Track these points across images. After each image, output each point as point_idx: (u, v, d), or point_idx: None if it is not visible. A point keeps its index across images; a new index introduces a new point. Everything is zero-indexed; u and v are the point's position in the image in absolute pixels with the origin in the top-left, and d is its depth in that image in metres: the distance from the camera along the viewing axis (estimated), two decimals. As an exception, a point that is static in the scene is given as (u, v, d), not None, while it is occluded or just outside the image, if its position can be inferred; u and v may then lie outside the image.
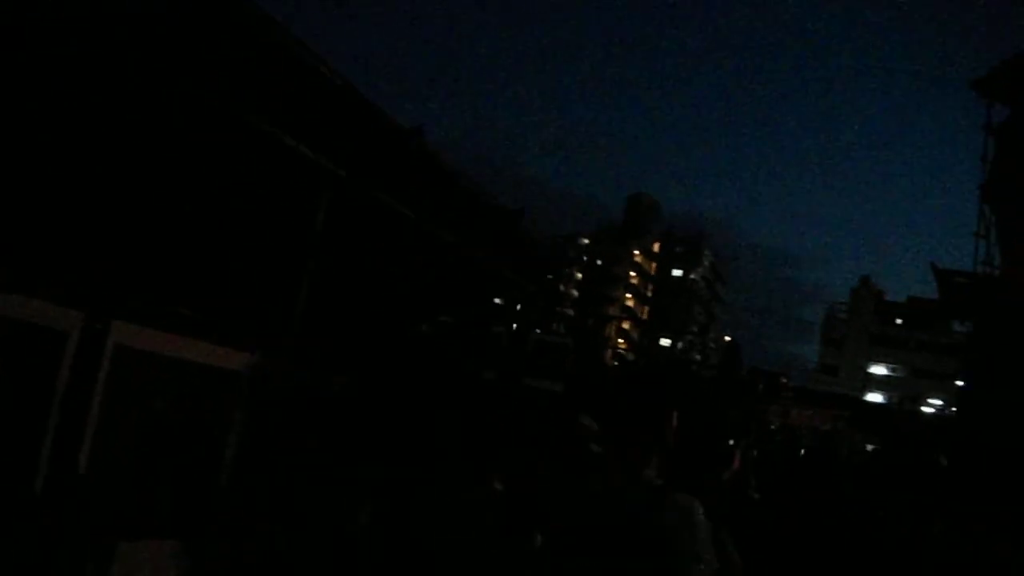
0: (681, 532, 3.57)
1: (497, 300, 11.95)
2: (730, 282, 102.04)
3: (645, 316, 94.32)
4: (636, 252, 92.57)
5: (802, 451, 14.38)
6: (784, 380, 37.93)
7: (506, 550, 4.16)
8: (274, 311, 6.31)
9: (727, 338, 69.10)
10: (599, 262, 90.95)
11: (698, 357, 69.67)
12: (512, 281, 11.06)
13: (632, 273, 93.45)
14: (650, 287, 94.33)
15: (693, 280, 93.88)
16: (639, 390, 5.79)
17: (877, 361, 79.00)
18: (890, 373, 79.05)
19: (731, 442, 8.24)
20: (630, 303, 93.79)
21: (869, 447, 22.18)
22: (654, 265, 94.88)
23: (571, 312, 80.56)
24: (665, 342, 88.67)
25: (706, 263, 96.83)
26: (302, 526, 5.23)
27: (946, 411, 71.72)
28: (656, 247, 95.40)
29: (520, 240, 10.66)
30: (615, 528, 3.60)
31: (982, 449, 16.43)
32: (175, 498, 5.40)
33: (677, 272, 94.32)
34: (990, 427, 18.26)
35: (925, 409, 70.55)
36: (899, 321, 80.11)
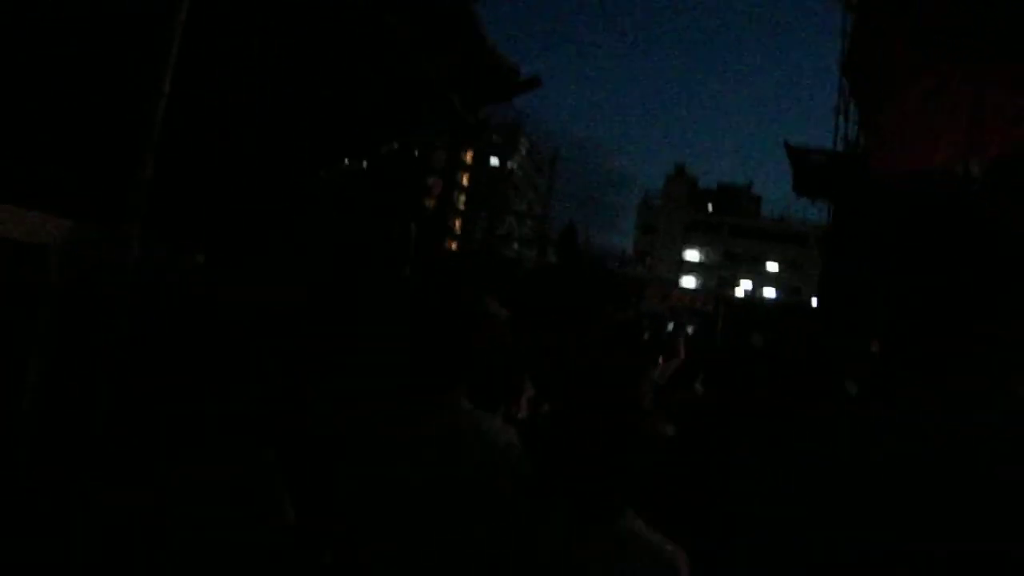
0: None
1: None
2: (546, 171, 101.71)
3: (462, 206, 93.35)
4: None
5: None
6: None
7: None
8: (108, 156, 4.21)
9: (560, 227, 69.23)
10: (416, 152, 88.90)
11: (516, 246, 69.05)
12: (452, 109, 8.25)
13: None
14: (465, 176, 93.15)
15: (511, 170, 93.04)
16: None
17: (691, 247, 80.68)
18: (704, 259, 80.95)
19: (669, 328, 7.11)
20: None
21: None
22: (470, 154, 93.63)
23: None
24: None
25: (523, 151, 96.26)
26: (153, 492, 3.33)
27: (755, 296, 74.32)
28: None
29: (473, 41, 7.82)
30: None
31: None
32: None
33: (494, 161, 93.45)
34: (847, 306, 17.99)
35: (737, 292, 72.76)
36: (711, 208, 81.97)
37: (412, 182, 9.45)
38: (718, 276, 77.29)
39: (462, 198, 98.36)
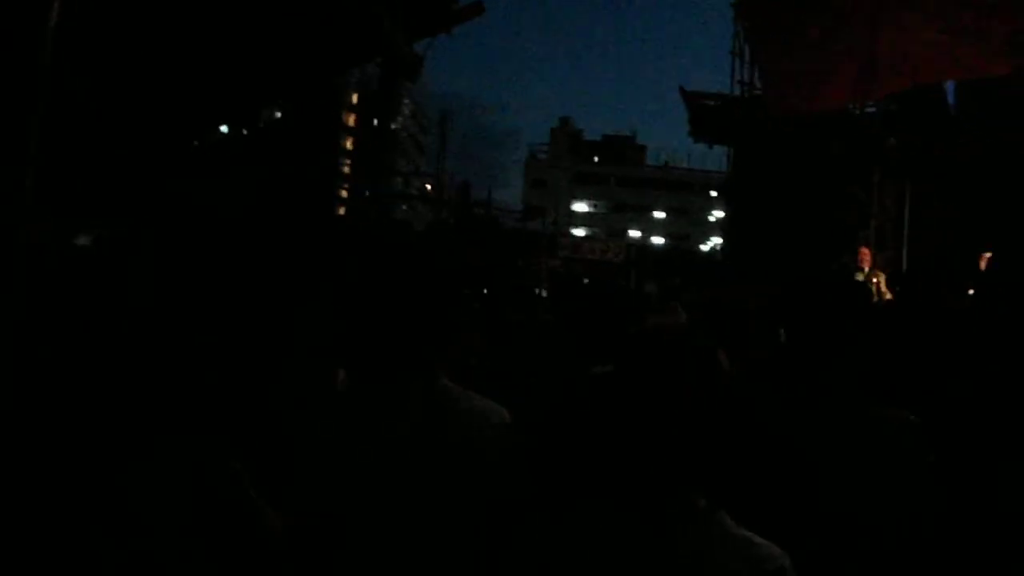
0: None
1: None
2: (431, 131, 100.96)
3: (347, 169, 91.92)
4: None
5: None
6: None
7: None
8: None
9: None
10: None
11: (404, 207, 68.27)
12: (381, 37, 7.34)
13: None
14: (350, 140, 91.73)
15: (395, 130, 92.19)
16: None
17: (580, 199, 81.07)
18: (592, 210, 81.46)
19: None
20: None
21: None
22: (353, 117, 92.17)
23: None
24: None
25: (406, 112, 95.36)
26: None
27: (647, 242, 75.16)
28: (355, 98, 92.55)
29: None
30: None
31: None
32: None
33: (376, 123, 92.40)
34: (748, 248, 18.25)
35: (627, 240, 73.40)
36: (597, 159, 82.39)
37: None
38: (607, 227, 77.87)
39: (347, 162, 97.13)
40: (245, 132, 8.71)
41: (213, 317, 3.19)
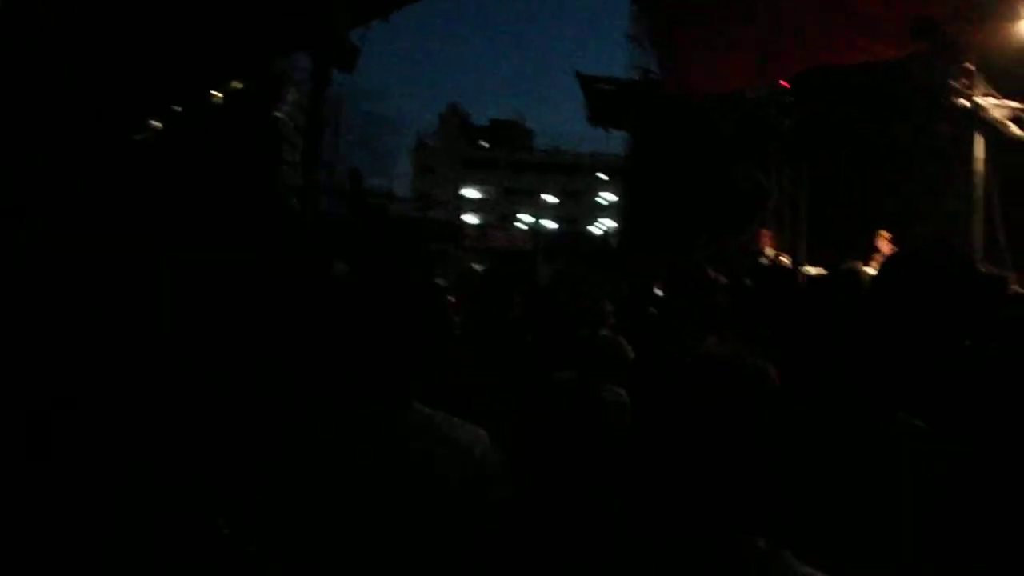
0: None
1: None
2: (331, 120, 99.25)
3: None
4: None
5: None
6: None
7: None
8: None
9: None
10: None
11: (293, 201, 67.33)
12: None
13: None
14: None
15: (279, 118, 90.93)
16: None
17: (469, 184, 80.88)
18: (482, 195, 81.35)
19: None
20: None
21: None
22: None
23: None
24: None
25: (290, 99, 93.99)
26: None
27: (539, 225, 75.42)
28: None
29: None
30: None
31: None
32: None
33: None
34: (647, 232, 18.36)
35: (519, 225, 73.58)
36: (485, 144, 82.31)
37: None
38: (499, 212, 77.91)
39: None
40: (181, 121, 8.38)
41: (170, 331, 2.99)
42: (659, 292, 8.62)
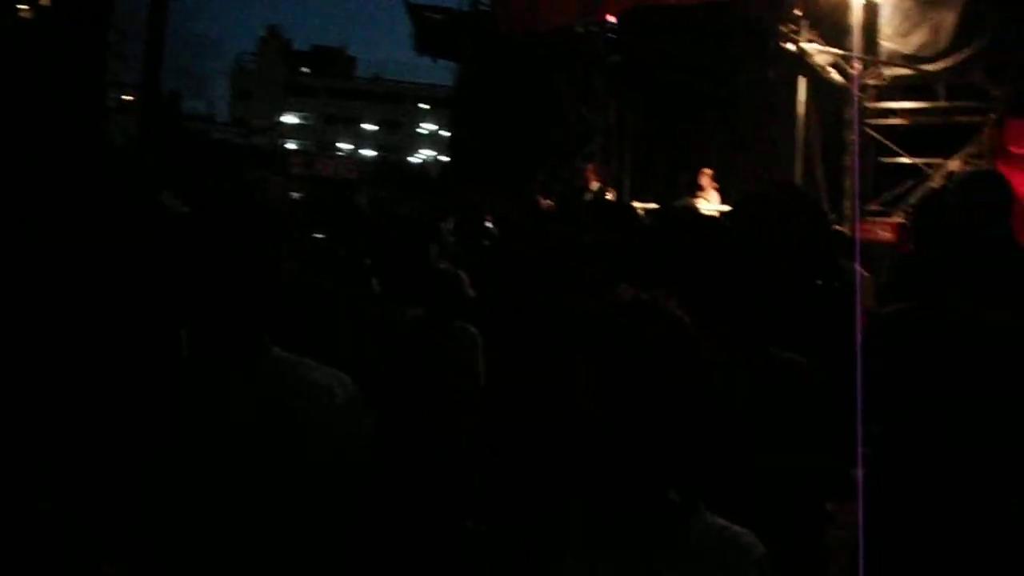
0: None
1: None
2: (134, 38, 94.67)
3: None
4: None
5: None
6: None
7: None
8: None
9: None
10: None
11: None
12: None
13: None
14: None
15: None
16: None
17: (289, 111, 79.00)
18: (302, 121, 79.64)
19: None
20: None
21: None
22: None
23: None
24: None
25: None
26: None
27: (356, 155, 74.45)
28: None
29: None
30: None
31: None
32: None
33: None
34: (476, 164, 18.40)
35: (338, 153, 72.52)
36: (306, 70, 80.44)
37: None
38: (319, 139, 76.49)
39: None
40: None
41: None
42: (490, 225, 8.65)
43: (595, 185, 14.20)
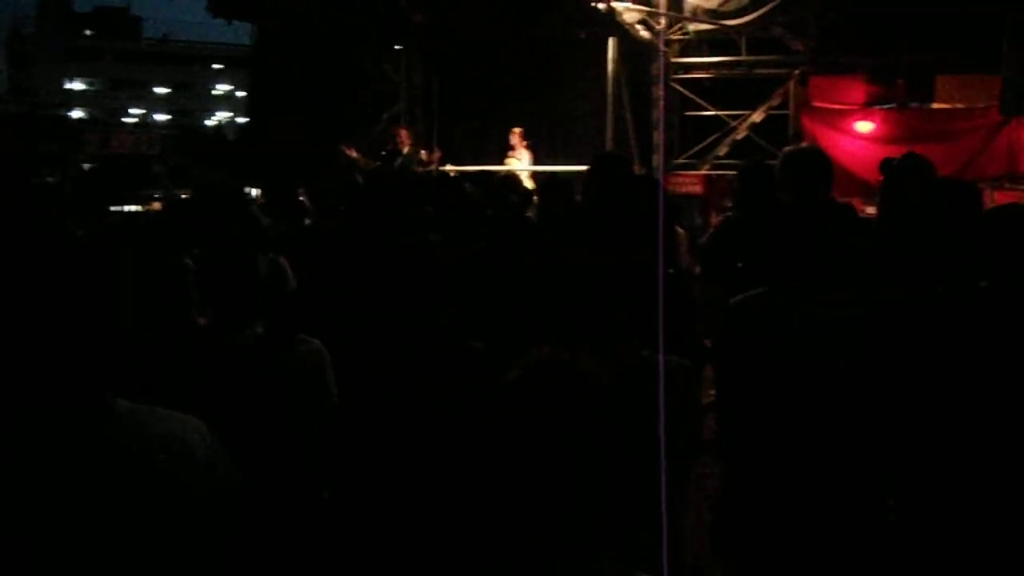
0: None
1: None
2: None
3: None
4: None
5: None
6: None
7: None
8: None
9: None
10: None
11: None
12: None
13: None
14: None
15: None
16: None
17: (74, 76, 75.13)
18: (88, 87, 75.92)
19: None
20: None
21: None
22: None
23: None
24: None
25: None
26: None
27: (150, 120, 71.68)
28: None
29: None
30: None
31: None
32: None
33: None
34: (278, 129, 17.83)
35: (127, 120, 69.66)
36: (89, 33, 76.55)
37: None
38: (107, 106, 73.09)
39: None
40: None
41: None
42: (304, 199, 8.16)
43: (407, 148, 13.89)
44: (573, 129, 15.23)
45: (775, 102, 13.10)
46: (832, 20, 12.15)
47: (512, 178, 7.50)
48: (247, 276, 3.35)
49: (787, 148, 5.34)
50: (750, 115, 13.24)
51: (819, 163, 4.63)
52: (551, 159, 14.19)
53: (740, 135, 13.31)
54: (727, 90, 13.47)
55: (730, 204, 7.88)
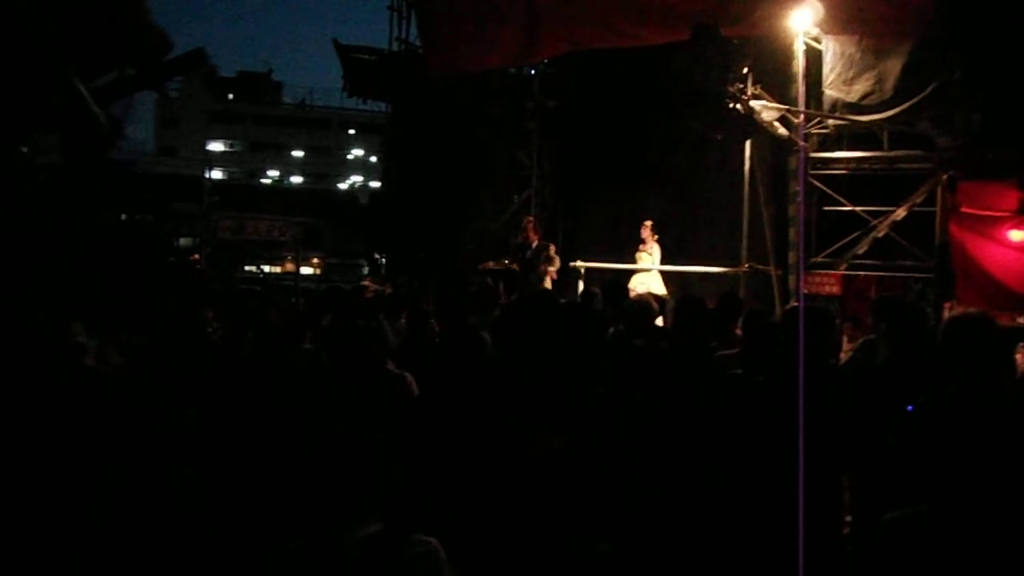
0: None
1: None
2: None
3: None
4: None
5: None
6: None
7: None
8: None
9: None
10: None
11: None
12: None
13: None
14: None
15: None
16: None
17: (215, 138, 77.60)
18: (228, 149, 78.29)
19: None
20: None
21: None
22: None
23: None
24: None
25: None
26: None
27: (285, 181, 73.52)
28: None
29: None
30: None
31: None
32: None
33: None
34: (410, 201, 17.97)
35: (265, 181, 71.54)
36: (232, 96, 78.97)
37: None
38: (246, 167, 75.22)
39: None
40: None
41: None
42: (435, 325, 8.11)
43: (536, 242, 13.79)
44: (705, 225, 14.91)
45: (918, 199, 12.46)
46: (979, 120, 11.54)
47: (648, 309, 7.18)
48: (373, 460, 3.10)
49: (949, 315, 4.90)
50: (892, 212, 12.61)
51: (989, 336, 4.04)
52: (682, 255, 13.91)
53: (880, 233, 12.71)
54: (866, 185, 12.90)
55: (870, 321, 7.51)
